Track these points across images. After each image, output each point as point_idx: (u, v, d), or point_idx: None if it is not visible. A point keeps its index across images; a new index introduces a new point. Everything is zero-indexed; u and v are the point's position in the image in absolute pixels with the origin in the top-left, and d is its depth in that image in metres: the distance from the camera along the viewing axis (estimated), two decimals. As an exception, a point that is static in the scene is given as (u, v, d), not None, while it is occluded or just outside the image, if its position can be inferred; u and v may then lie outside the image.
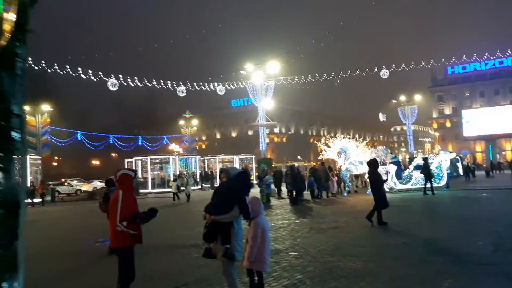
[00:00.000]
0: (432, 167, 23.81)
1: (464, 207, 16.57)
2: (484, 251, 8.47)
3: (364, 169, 24.81)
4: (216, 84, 50.76)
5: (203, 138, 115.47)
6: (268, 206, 20.35)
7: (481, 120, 71.98)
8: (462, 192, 23.25)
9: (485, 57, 48.21)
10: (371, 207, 17.41)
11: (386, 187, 23.92)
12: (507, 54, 48.72)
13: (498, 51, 47.32)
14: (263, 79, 47.68)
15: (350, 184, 25.45)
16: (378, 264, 7.79)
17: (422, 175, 24.02)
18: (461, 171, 39.78)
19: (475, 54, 47.80)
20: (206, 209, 6.05)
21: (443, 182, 24.29)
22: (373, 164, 13.45)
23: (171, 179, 33.43)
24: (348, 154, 24.69)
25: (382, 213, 12.60)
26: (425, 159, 23.70)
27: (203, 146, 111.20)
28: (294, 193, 20.87)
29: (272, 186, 24.70)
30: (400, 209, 15.77)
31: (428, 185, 21.69)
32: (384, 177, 16.00)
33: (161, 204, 25.54)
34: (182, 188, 27.48)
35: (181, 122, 67.21)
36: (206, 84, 49.20)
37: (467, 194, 21.83)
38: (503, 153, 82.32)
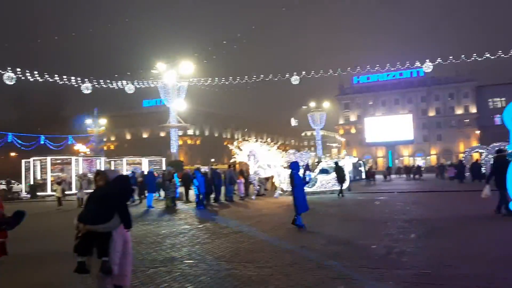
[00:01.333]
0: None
1: (363, 210, 17.16)
2: (377, 255, 8.61)
3: (272, 172, 25.08)
4: (124, 82, 48.59)
5: (112, 138, 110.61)
6: (173, 210, 19.66)
7: (382, 127, 76.92)
8: (363, 195, 24.30)
9: (387, 68, 51.25)
10: (277, 210, 17.62)
11: (289, 189, 24.49)
12: (406, 66, 52.28)
13: (399, 63, 50.51)
14: (176, 79, 46.58)
15: (259, 187, 25.49)
16: (273, 270, 7.55)
17: (327, 179, 24.85)
18: (363, 175, 42.07)
19: (377, 65, 50.54)
20: (80, 218, 5.36)
21: (345, 185, 25.22)
22: (294, 167, 13.18)
23: (56, 181, 28.87)
24: (257, 157, 24.74)
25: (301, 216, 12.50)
26: (336, 163, 24.84)
27: (112, 147, 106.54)
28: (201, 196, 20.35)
29: (181, 189, 24.03)
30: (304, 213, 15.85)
31: (344, 186, 22.76)
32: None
33: (43, 209, 23.66)
34: (68, 192, 25.32)
35: (88, 121, 63.48)
36: (113, 81, 46.82)
37: (367, 197, 22.81)
38: (401, 158, 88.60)
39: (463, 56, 48.93)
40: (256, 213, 16.92)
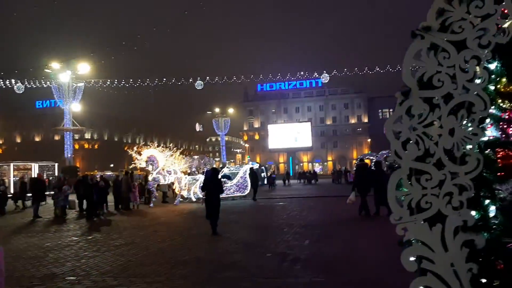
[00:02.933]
0: (238, 176, 25.09)
1: (263, 216, 17.29)
2: (271, 263, 8.58)
3: (172, 178, 24.38)
4: (13, 81, 44.55)
5: (0, 142, 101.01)
6: (62, 220, 18.16)
7: (284, 134, 79.46)
8: (263, 201, 24.60)
9: (287, 77, 53.06)
10: (176, 219, 17.08)
11: (192, 196, 24.00)
12: (305, 77, 54.55)
13: (298, 73, 52.60)
14: (71, 80, 43.70)
15: (157, 194, 24.63)
16: (163, 285, 7.13)
17: (228, 185, 24.79)
18: (265, 181, 42.81)
19: (279, 74, 52.13)
20: None
21: (247, 191, 25.38)
22: (213, 174, 13.38)
23: None
24: (156, 163, 23.90)
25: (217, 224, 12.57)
26: (251, 168, 25.75)
27: (0, 151, 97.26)
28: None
29: (73, 197, 22.33)
30: (203, 219, 15.50)
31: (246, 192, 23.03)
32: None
33: None
34: None
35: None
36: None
37: (267, 203, 23.12)
38: (301, 164, 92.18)
39: (356, 69, 52.37)
40: (153, 222, 16.22)
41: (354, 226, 13.31)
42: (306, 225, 13.63)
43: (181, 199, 24.05)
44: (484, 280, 2.75)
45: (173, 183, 24.76)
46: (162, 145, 29.86)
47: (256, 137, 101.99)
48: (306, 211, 17.79)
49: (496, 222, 3.01)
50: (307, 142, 79.04)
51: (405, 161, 2.91)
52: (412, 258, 2.88)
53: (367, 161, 24.29)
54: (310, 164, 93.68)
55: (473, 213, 2.74)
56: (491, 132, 3.05)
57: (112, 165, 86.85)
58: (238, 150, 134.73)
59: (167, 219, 17.41)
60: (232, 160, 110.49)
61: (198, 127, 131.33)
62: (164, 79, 50.57)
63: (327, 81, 50.37)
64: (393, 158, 2.98)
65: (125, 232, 13.70)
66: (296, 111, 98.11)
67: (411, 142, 2.90)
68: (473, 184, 2.74)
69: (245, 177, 25.60)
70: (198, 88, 50.08)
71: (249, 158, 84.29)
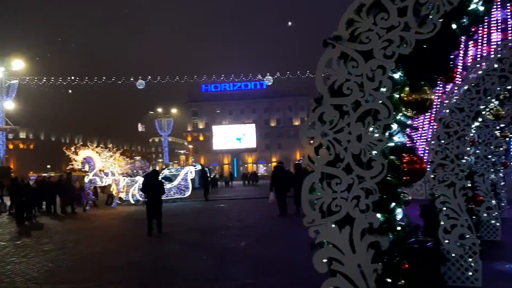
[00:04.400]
0: (180, 178, 24.84)
1: (204, 218, 17.15)
2: (206, 266, 8.55)
3: (110, 180, 23.69)
4: None
5: None
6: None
7: (228, 135, 79.52)
8: (205, 202, 24.41)
9: (231, 78, 53.23)
10: (112, 222, 16.61)
11: (131, 198, 23.43)
12: (249, 78, 54.99)
13: (242, 75, 52.87)
14: (4, 76, 41.38)
15: (94, 197, 23.83)
16: (92, 292, 6.91)
17: (169, 187, 24.45)
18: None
19: (223, 75, 52.12)
20: None
21: (188, 193, 25.14)
22: (154, 175, 13.69)
23: None
24: (93, 165, 23.11)
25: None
26: (203, 169, 27.14)
27: None
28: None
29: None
30: (140, 222, 15.19)
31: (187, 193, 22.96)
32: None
33: None
34: None
35: None
36: None
37: (209, 205, 23.00)
38: (246, 165, 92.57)
39: (299, 72, 53.37)
40: (88, 226, 15.66)
41: (287, 226, 13.52)
42: (244, 226, 13.70)
43: (119, 202, 23.40)
44: (389, 280, 2.89)
45: (110, 185, 24.03)
46: (101, 145, 28.88)
47: (201, 138, 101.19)
48: (245, 213, 17.88)
49: (403, 224, 3.17)
50: (251, 143, 79.63)
51: (318, 166, 3.00)
52: (324, 260, 2.98)
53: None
54: (254, 165, 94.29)
55: (379, 215, 2.87)
56: (398, 138, 3.21)
57: (49, 166, 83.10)
58: (182, 151, 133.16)
59: (102, 222, 16.90)
60: (175, 161, 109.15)
61: (140, 128, 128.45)
62: (104, 78, 49.05)
63: (270, 83, 50.98)
64: (306, 163, 3.07)
65: (56, 237, 13.14)
66: (241, 112, 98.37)
67: (323, 147, 2.99)
68: (378, 188, 2.87)
69: (186, 179, 25.34)
70: (139, 87, 49.02)
71: (193, 160, 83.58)
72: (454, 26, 2.83)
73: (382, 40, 2.84)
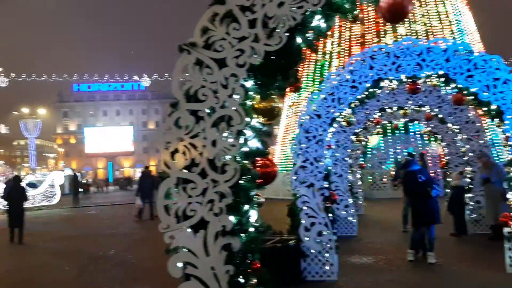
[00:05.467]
0: (46, 184, 23.07)
1: (73, 226, 16.01)
2: (69, 277, 8.03)
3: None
4: None
5: None
6: None
7: (103, 138, 75.63)
8: (75, 209, 22.87)
9: (105, 78, 50.80)
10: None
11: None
12: (125, 79, 53.02)
13: (117, 75, 50.76)
14: None
15: None
16: None
17: (33, 193, 22.49)
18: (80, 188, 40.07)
19: (96, 75, 49.46)
20: None
21: (55, 201, 23.36)
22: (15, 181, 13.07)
23: None
24: None
25: None
26: (75, 174, 26.59)
27: None
28: None
29: None
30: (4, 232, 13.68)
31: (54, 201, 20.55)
32: None
33: None
34: None
35: None
36: None
37: (79, 211, 21.62)
38: (122, 170, 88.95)
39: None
40: None
41: (158, 232, 13.28)
42: (115, 233, 13.15)
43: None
44: (242, 280, 3.01)
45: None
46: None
47: (72, 140, 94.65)
48: (117, 219, 17.18)
49: (256, 225, 3.33)
50: (128, 146, 76.70)
51: (174, 171, 3.01)
52: (180, 264, 2.99)
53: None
54: (132, 169, 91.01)
55: (232, 218, 2.98)
56: (254, 143, 3.37)
57: None
58: (51, 155, 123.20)
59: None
60: (43, 166, 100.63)
61: (3, 129, 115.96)
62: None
63: (148, 84, 49.76)
64: (162, 168, 3.05)
65: None
66: (117, 114, 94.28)
67: (179, 152, 3.01)
68: (232, 191, 2.98)
69: (54, 185, 23.53)
70: (1, 85, 44.25)
71: (63, 164, 77.90)
72: (299, 40, 3.06)
73: (234, 49, 2.96)
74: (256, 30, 2.92)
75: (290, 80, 3.24)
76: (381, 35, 21.40)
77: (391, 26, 20.81)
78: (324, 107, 6.73)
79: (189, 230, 2.97)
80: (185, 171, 2.99)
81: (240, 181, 3.00)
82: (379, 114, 10.50)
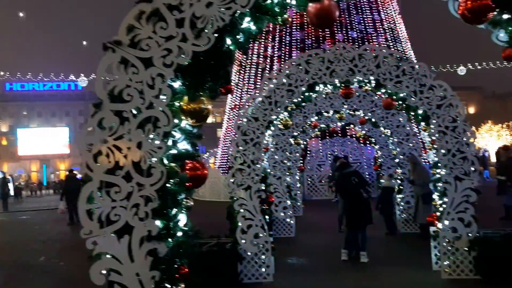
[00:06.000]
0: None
1: (2, 233, 15.09)
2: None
3: None
4: None
5: None
6: None
7: (37, 140, 72.06)
8: (4, 214, 21.51)
9: (39, 77, 48.39)
10: None
11: None
12: (60, 78, 50.78)
13: (52, 74, 48.45)
14: None
15: None
16: None
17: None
18: (12, 192, 37.83)
19: (29, 74, 46.93)
20: None
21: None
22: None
23: None
24: None
25: None
26: (3, 178, 24.70)
27: None
28: None
29: None
30: None
31: None
32: None
33: None
34: None
35: None
36: None
37: (10, 217, 20.38)
38: (57, 172, 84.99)
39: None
40: None
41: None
42: (46, 239, 12.52)
43: None
44: (168, 286, 2.93)
45: None
46: None
47: (4, 142, 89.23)
48: (48, 224, 16.36)
49: (185, 229, 3.26)
50: (64, 148, 73.48)
51: (96, 174, 2.88)
52: (103, 271, 2.86)
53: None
54: (68, 172, 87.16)
55: (158, 222, 2.89)
56: (183, 145, 3.30)
57: None
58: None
59: None
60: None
61: None
62: None
63: (85, 84, 47.83)
64: (84, 171, 2.92)
65: None
66: (53, 115, 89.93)
67: (102, 154, 2.88)
68: (158, 195, 2.89)
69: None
70: None
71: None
72: (229, 41, 3.04)
73: (161, 49, 2.89)
74: (184, 29, 2.86)
75: (220, 82, 3.20)
76: (320, 41, 21.98)
77: (329, 32, 21.44)
78: (262, 110, 6.76)
79: (113, 235, 2.85)
80: (108, 174, 2.87)
81: (167, 184, 2.92)
82: (316, 117, 10.75)
